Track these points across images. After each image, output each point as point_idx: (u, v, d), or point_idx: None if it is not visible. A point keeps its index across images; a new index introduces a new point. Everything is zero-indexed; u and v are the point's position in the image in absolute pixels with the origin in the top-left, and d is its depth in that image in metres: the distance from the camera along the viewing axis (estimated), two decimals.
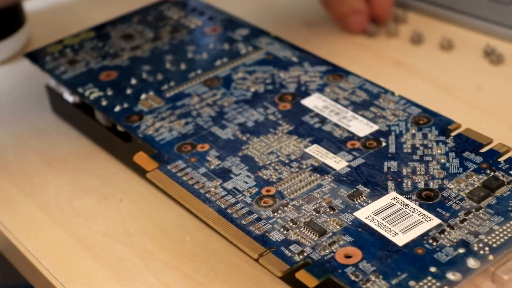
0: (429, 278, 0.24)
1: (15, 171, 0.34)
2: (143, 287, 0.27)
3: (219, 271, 0.28)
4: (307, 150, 0.29)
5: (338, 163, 0.28)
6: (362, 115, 0.31)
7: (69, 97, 0.35)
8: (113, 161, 0.34)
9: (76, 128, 0.36)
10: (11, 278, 0.36)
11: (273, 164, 0.29)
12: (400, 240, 0.25)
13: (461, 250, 0.24)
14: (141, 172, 0.32)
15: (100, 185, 0.32)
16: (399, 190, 0.27)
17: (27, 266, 0.30)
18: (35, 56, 0.37)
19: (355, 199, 0.27)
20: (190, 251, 0.29)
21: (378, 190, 0.27)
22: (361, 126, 0.30)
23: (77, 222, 0.31)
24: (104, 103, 0.33)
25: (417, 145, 0.29)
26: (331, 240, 0.25)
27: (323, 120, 0.31)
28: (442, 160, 0.28)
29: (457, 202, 0.26)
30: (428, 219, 0.26)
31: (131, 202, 0.31)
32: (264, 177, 0.28)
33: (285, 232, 0.26)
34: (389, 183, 0.27)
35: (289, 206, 0.27)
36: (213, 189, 0.28)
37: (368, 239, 0.25)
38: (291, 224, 0.26)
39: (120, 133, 0.33)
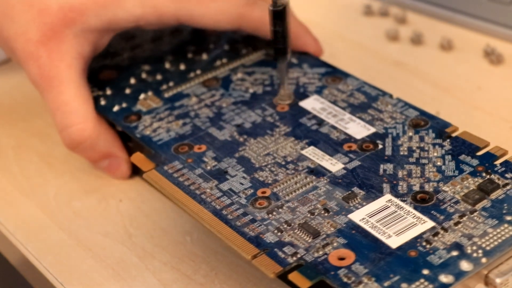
0: (422, 280, 0.24)
1: (15, 171, 0.34)
2: (143, 287, 0.28)
3: (219, 271, 0.28)
4: (303, 152, 0.29)
5: (334, 165, 0.29)
6: (360, 118, 0.31)
7: None
8: None
9: None
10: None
11: (269, 166, 0.29)
12: (394, 242, 0.25)
13: (454, 253, 0.24)
14: (141, 172, 0.32)
15: (100, 185, 0.33)
16: (394, 192, 0.27)
17: (27, 266, 0.30)
18: None
19: (350, 201, 0.27)
20: (190, 251, 0.29)
21: (373, 193, 0.27)
22: (358, 129, 0.30)
23: (77, 223, 0.31)
24: (102, 102, 0.33)
25: (414, 148, 0.29)
26: (324, 242, 0.25)
27: (321, 122, 0.31)
28: (438, 163, 0.28)
29: (451, 204, 0.26)
30: (422, 221, 0.26)
31: (131, 202, 0.32)
32: (260, 178, 0.28)
33: (279, 233, 0.26)
34: (384, 185, 0.27)
35: (284, 207, 0.27)
36: (208, 190, 0.28)
37: (361, 241, 0.25)
38: (285, 226, 0.26)
39: (120, 133, 0.33)
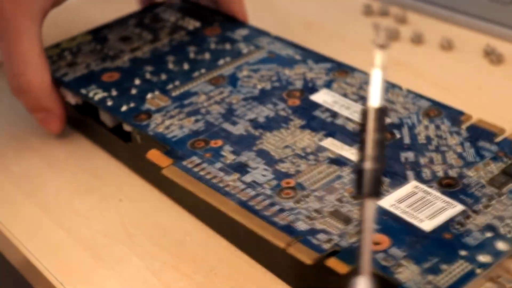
0: (461, 261, 0.23)
1: (15, 171, 0.33)
2: (143, 287, 0.27)
3: (219, 271, 0.27)
4: (322, 143, 0.29)
5: (355, 154, 0.28)
6: None
7: (71, 99, 0.34)
8: (113, 161, 0.33)
9: (76, 128, 0.35)
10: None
11: (289, 158, 0.28)
12: (427, 226, 0.25)
13: (488, 234, 0.24)
14: (141, 172, 0.32)
15: (100, 185, 0.32)
16: (420, 179, 0.27)
17: (27, 266, 0.29)
18: None
19: None
20: (190, 251, 0.28)
21: (398, 180, 0.27)
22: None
23: (77, 222, 0.30)
24: (109, 103, 0.33)
25: (431, 136, 0.29)
26: (357, 228, 0.25)
27: (334, 114, 0.31)
28: (459, 150, 0.28)
29: (478, 189, 0.26)
30: (452, 205, 0.26)
31: (131, 202, 0.31)
32: (282, 170, 0.28)
33: (310, 221, 0.25)
34: (408, 172, 0.27)
35: (310, 196, 0.27)
36: (232, 183, 0.27)
37: (394, 226, 0.25)
38: (315, 214, 0.26)
39: (120, 133, 0.32)
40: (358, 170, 0.19)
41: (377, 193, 0.19)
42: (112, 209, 0.31)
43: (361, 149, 0.19)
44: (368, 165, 0.18)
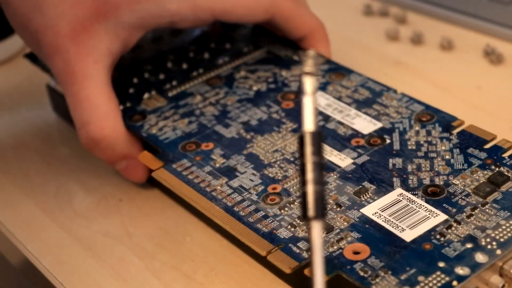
0: (438, 273, 0.24)
1: (15, 171, 0.34)
2: (143, 287, 0.27)
3: (219, 271, 0.28)
4: None
5: (343, 160, 0.28)
6: (365, 113, 0.31)
7: None
8: None
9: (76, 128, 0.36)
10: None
11: (278, 162, 0.29)
12: (408, 235, 0.25)
13: (468, 245, 0.24)
14: None
15: (100, 185, 0.32)
16: (405, 186, 0.27)
17: (27, 266, 0.30)
18: (35, 57, 0.37)
19: (361, 196, 0.27)
20: (190, 251, 0.29)
21: (384, 187, 0.27)
22: (364, 124, 0.30)
23: (77, 222, 0.31)
24: None
25: (421, 142, 0.29)
26: (338, 236, 0.25)
27: (327, 118, 0.31)
28: (447, 157, 0.28)
29: (463, 197, 0.26)
30: (435, 214, 0.26)
31: (131, 202, 0.31)
32: (270, 175, 0.28)
33: (292, 229, 0.26)
34: (394, 179, 0.27)
35: (295, 203, 0.27)
36: (219, 188, 0.28)
37: (375, 235, 0.25)
38: (298, 221, 0.26)
39: None
40: (301, 194, 0.19)
41: (322, 214, 0.19)
42: (112, 209, 0.31)
43: (302, 173, 0.19)
44: (309, 188, 0.19)
